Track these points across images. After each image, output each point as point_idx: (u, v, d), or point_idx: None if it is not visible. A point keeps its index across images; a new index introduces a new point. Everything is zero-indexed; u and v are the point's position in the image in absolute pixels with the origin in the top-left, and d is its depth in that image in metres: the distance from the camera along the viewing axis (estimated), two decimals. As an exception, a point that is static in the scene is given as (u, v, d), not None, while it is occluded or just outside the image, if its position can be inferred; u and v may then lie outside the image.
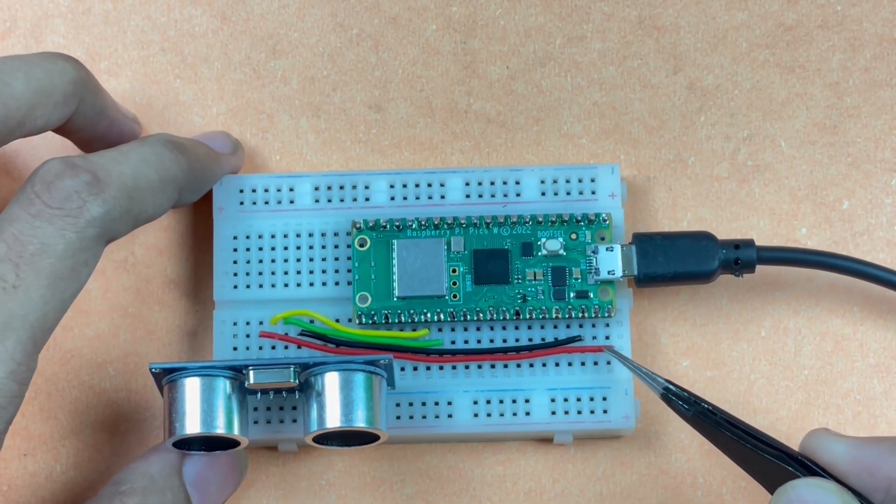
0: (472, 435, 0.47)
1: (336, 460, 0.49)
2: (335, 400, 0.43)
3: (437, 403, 0.46)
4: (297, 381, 0.43)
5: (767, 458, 0.42)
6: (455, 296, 0.46)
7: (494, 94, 0.49)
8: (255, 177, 0.48)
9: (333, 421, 0.43)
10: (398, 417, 0.46)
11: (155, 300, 0.49)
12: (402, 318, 0.46)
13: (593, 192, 0.47)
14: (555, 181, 0.47)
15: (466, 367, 0.47)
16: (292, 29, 0.49)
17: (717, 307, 0.49)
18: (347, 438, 0.45)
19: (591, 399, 0.46)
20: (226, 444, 0.44)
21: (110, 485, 0.44)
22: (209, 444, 0.44)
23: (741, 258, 0.46)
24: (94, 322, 0.49)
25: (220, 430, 0.43)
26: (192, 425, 0.43)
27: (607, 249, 0.46)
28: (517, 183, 0.47)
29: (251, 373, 0.43)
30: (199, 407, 0.43)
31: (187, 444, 0.44)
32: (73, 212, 0.41)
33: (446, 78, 0.49)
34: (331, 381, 0.43)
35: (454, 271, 0.47)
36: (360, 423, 0.43)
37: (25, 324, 0.40)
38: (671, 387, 0.43)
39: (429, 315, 0.46)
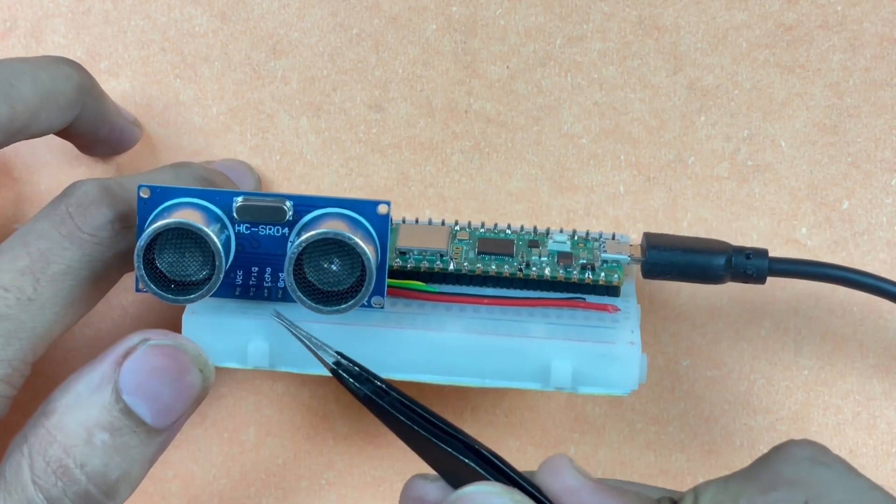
0: (463, 346, 0.43)
1: (336, 460, 0.49)
2: (321, 222, 0.41)
3: (428, 322, 0.44)
4: (289, 214, 0.41)
5: (445, 450, 0.39)
6: (457, 258, 0.46)
7: (494, 94, 0.49)
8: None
9: (315, 232, 0.40)
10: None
11: (155, 300, 0.49)
12: (399, 266, 0.45)
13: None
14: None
15: (462, 309, 0.45)
16: (292, 29, 0.49)
17: (717, 307, 0.49)
18: (328, 296, 0.41)
19: (594, 333, 0.43)
20: (197, 286, 0.41)
21: (41, 405, 0.41)
22: (181, 286, 0.41)
23: (752, 266, 0.46)
24: (95, 322, 0.49)
25: (202, 226, 0.40)
26: (168, 220, 0.40)
27: (616, 242, 0.46)
28: None
29: (241, 198, 0.41)
30: (179, 211, 0.41)
31: (159, 282, 0.41)
32: (104, 241, 0.41)
33: (446, 78, 0.49)
34: (322, 213, 0.42)
35: (458, 248, 0.46)
36: (346, 235, 0.40)
37: (32, 336, 0.40)
38: (342, 361, 0.40)
39: (428, 265, 0.45)
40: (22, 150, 0.49)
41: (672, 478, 0.50)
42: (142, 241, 0.40)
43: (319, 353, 0.41)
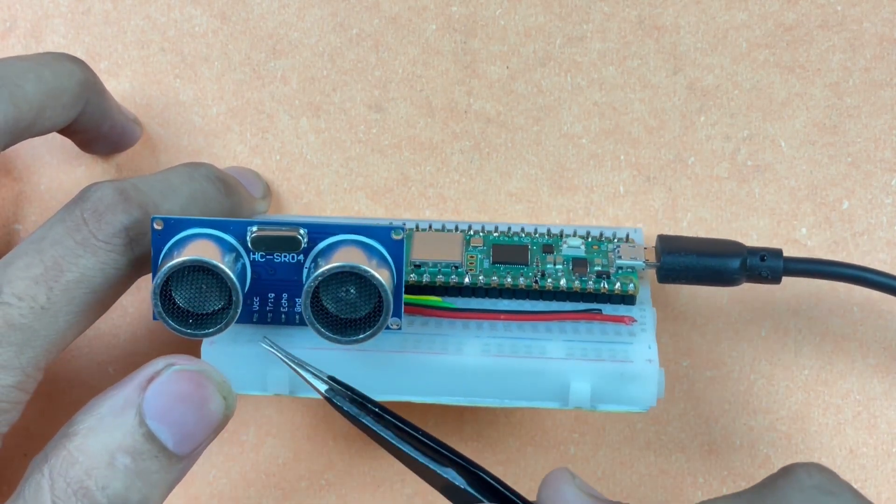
0: (482, 369, 0.43)
1: (336, 460, 0.49)
2: (336, 251, 0.41)
3: (446, 344, 0.43)
4: (304, 242, 0.41)
5: (441, 475, 0.39)
6: (471, 270, 0.46)
7: (494, 94, 0.49)
8: (280, 217, 0.48)
9: (332, 262, 0.40)
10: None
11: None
12: (414, 280, 0.45)
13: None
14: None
15: (479, 326, 0.44)
16: (292, 29, 0.49)
17: (717, 307, 0.49)
18: (346, 326, 0.41)
19: (612, 351, 0.43)
20: (215, 318, 0.41)
21: (64, 426, 0.40)
22: (197, 319, 0.41)
23: (767, 267, 0.46)
24: (95, 321, 0.49)
25: (218, 262, 0.40)
26: (183, 258, 0.40)
27: (630, 246, 0.46)
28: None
29: (255, 227, 0.41)
30: (193, 243, 0.41)
31: (175, 315, 0.41)
32: (119, 248, 0.41)
33: (446, 78, 0.49)
34: (337, 240, 0.41)
35: (472, 257, 0.46)
36: (363, 268, 0.40)
37: (45, 343, 0.40)
38: (335, 386, 0.40)
39: (443, 279, 0.45)
40: (22, 150, 0.49)
41: (672, 478, 0.50)
42: (158, 279, 0.40)
43: (312, 380, 0.40)
